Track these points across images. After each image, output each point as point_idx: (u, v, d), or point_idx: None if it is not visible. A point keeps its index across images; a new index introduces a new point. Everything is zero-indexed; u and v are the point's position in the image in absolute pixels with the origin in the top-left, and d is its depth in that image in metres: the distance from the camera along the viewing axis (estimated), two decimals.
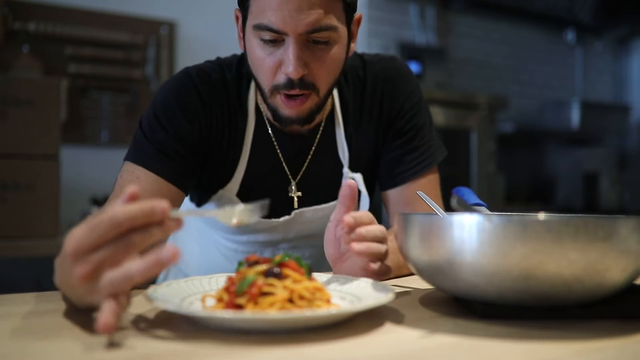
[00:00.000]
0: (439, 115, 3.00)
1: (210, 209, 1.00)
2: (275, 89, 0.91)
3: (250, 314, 0.55)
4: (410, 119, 1.08)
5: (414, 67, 3.42)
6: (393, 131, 1.08)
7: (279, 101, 0.92)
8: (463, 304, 0.68)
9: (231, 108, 1.01)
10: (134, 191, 0.55)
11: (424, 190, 1.04)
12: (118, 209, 0.52)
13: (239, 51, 1.09)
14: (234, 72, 1.02)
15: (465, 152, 3.17)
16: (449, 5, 3.71)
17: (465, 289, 0.62)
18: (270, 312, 0.56)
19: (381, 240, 0.76)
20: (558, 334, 0.57)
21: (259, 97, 1.02)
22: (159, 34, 2.70)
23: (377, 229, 0.75)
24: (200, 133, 0.97)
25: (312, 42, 0.88)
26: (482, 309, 0.63)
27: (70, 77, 2.51)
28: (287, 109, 0.92)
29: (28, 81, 1.99)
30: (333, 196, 1.08)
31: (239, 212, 0.60)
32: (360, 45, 3.27)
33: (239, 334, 0.55)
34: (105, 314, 0.50)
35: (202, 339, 0.54)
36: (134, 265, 0.52)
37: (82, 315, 0.64)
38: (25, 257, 1.98)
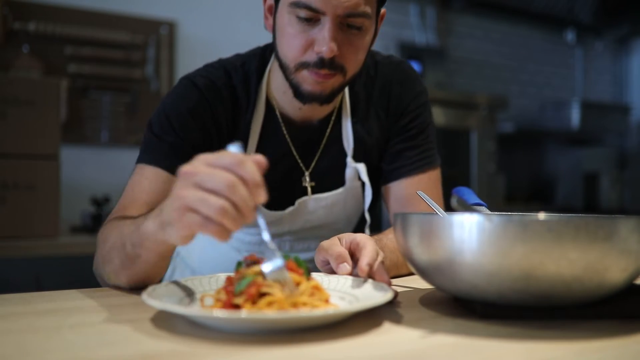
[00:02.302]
0: (439, 115, 3.00)
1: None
2: (303, 66, 0.92)
3: (248, 314, 0.55)
4: (415, 118, 1.10)
5: (414, 67, 3.41)
6: (397, 128, 1.11)
7: (304, 76, 0.93)
8: (463, 304, 0.68)
9: (236, 108, 1.02)
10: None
11: (423, 188, 1.05)
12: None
13: (238, 51, 1.10)
14: (239, 73, 1.03)
15: (465, 152, 3.17)
16: (449, 5, 3.70)
17: (465, 288, 0.62)
18: (268, 313, 0.56)
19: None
20: (558, 334, 0.57)
21: (272, 88, 1.04)
22: (159, 34, 2.70)
23: (381, 263, 0.75)
24: (210, 138, 0.99)
25: (347, 25, 0.90)
26: (482, 309, 0.63)
27: (70, 77, 2.50)
28: (311, 85, 0.93)
29: (28, 81, 1.99)
30: (336, 185, 1.09)
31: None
32: None
33: (238, 334, 0.55)
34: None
35: (201, 339, 0.54)
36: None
37: (82, 314, 0.64)
38: (25, 257, 1.98)
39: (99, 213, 2.27)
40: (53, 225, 1.94)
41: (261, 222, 0.61)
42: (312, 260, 1.10)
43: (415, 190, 1.07)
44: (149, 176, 0.93)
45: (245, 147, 1.03)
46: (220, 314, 0.54)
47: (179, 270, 1.29)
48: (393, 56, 1.16)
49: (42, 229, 1.92)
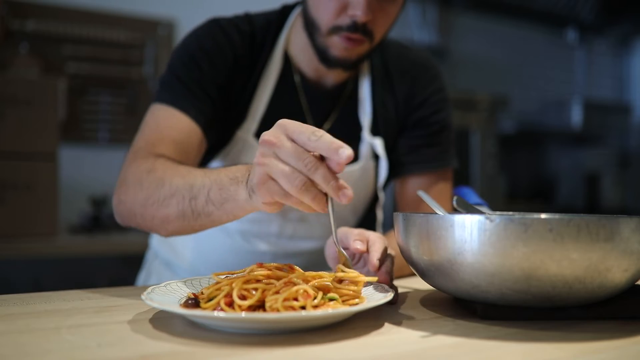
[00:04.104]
0: None
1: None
2: (335, 30, 0.93)
3: (248, 314, 0.55)
4: (436, 112, 1.09)
5: None
6: (416, 118, 1.09)
7: (334, 41, 0.94)
8: (464, 305, 0.67)
9: (255, 54, 1.02)
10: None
11: (434, 188, 1.04)
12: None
13: None
14: (261, 23, 1.04)
15: (466, 151, 3.17)
16: (449, 3, 3.70)
17: (466, 289, 0.62)
18: (268, 313, 0.55)
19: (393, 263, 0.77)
20: (559, 334, 0.57)
21: (291, 44, 1.04)
22: (158, 33, 2.70)
23: (390, 262, 0.75)
24: (229, 78, 0.99)
25: None
26: (483, 310, 0.62)
27: (68, 77, 2.50)
28: (339, 50, 0.94)
29: (26, 81, 1.99)
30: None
31: None
32: None
33: (238, 334, 0.55)
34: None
35: (201, 340, 0.53)
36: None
37: (80, 315, 0.63)
38: (23, 258, 1.97)
39: (97, 214, 2.27)
40: (51, 225, 1.94)
41: (331, 213, 0.62)
42: (314, 252, 1.08)
43: (432, 188, 1.06)
44: (176, 116, 0.92)
45: (256, 96, 1.02)
46: (221, 314, 0.54)
47: (155, 275, 1.22)
48: (419, 49, 1.17)
49: (41, 228, 1.92)
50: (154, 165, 0.81)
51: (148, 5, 2.68)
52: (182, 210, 0.74)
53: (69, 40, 2.51)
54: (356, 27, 0.91)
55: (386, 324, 0.60)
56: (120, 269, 2.41)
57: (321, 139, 0.56)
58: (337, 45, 0.94)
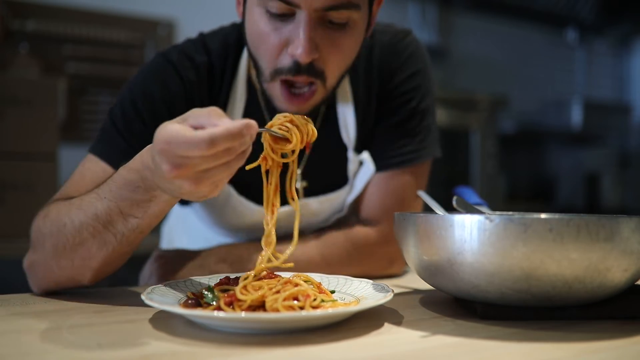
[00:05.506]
0: (439, 115, 2.99)
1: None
2: (277, 73, 0.79)
3: (248, 314, 0.55)
4: (409, 101, 0.95)
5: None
6: (389, 108, 0.96)
7: (277, 91, 0.80)
8: (463, 305, 0.67)
9: (215, 90, 0.90)
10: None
11: (408, 186, 0.94)
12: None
13: None
14: (219, 50, 0.90)
15: (466, 152, 3.17)
16: (449, 3, 3.70)
17: (466, 289, 0.62)
18: (269, 313, 0.55)
19: None
20: (559, 334, 0.57)
21: (254, 71, 0.90)
22: (157, 33, 2.70)
23: None
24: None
25: (328, 22, 0.76)
26: (483, 310, 0.62)
27: (68, 77, 2.50)
28: (284, 104, 0.80)
29: (26, 81, 1.99)
30: (338, 183, 0.97)
31: None
32: None
33: (238, 334, 0.55)
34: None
35: (201, 339, 0.53)
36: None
37: (80, 315, 0.63)
38: (23, 257, 1.97)
39: None
40: None
41: None
42: None
43: (391, 186, 0.95)
44: (107, 172, 0.80)
45: None
46: (220, 314, 0.54)
47: None
48: (396, 26, 1.00)
49: None
50: (48, 211, 0.75)
51: (148, 5, 2.68)
52: (102, 240, 0.68)
53: (69, 40, 2.51)
54: (299, 69, 0.76)
55: (386, 324, 0.60)
56: (120, 269, 2.41)
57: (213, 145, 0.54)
58: (280, 99, 0.80)
